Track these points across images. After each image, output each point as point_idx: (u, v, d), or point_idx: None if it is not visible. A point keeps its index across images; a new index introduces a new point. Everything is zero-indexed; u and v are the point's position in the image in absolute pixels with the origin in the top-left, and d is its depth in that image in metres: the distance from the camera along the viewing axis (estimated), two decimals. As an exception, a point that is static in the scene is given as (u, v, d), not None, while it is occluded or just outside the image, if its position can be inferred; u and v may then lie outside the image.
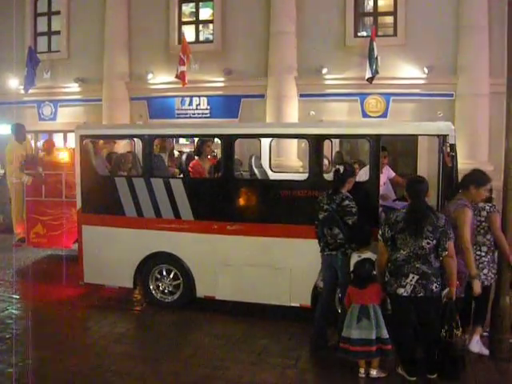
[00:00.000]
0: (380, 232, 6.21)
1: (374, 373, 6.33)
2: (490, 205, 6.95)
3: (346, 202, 6.92)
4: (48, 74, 17.41)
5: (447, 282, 6.03)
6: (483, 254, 6.83)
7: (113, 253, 9.02)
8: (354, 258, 6.77)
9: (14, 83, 17.29)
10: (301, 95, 14.83)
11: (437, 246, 5.93)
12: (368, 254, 6.65)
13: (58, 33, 17.70)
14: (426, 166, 13.41)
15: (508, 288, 7.04)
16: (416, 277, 5.91)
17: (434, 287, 5.94)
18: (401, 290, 5.96)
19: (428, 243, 5.90)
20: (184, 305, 8.82)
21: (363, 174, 8.51)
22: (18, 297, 9.61)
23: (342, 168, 7.16)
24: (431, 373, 6.23)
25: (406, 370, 6.26)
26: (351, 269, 6.77)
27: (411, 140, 13.03)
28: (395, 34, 14.58)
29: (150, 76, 16.19)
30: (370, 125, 9.95)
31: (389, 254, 6.14)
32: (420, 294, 5.92)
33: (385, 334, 6.25)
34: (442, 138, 7.36)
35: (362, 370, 6.38)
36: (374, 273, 6.42)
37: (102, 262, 9.14)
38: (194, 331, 8.02)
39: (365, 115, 14.46)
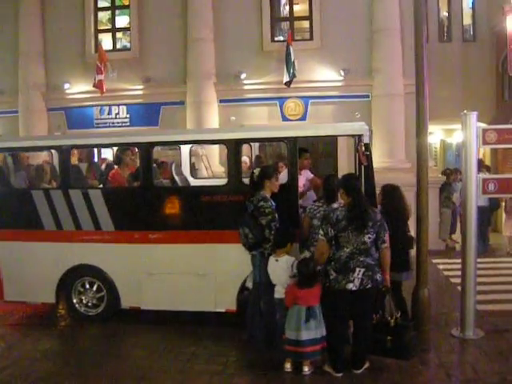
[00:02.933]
0: (322, 232, 6.28)
1: (306, 369, 6.42)
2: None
3: (261, 203, 7.01)
4: (-40, 87, 16.82)
5: (383, 271, 6.24)
6: None
7: (33, 268, 8.78)
8: (271, 261, 6.85)
9: None
10: (220, 101, 14.86)
11: (376, 240, 6.13)
12: (284, 257, 6.74)
13: (-33, 44, 17.14)
14: (346, 165, 13.66)
15: (427, 280, 7.33)
16: (362, 270, 6.06)
17: (377, 277, 6.15)
18: (350, 285, 6.08)
19: (369, 238, 6.10)
20: (109, 317, 8.67)
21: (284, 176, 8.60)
22: None
23: (257, 171, 7.24)
24: (357, 368, 6.37)
25: (334, 367, 6.37)
26: (269, 270, 6.86)
27: (331, 141, 13.30)
28: (311, 38, 14.81)
29: (67, 86, 15.84)
30: (287, 128, 10.08)
31: (331, 252, 6.23)
32: (368, 286, 6.10)
33: (324, 332, 6.39)
34: (358, 138, 7.52)
35: (287, 365, 6.48)
36: (319, 268, 6.47)
37: (22, 279, 8.87)
38: (120, 343, 7.91)
39: (284, 119, 14.62)
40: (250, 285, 7.56)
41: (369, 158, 7.34)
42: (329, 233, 6.19)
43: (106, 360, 7.25)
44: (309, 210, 7.32)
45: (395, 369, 6.46)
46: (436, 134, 20.89)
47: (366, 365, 6.43)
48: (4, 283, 9.06)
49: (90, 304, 8.80)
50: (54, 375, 6.79)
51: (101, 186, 9.60)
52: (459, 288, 8.11)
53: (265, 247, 6.99)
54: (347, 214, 6.14)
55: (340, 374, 6.33)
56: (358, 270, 6.07)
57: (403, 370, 6.44)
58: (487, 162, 17.17)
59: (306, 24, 15.18)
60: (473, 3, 18.31)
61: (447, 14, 17.96)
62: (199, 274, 8.11)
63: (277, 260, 6.77)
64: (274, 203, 7.10)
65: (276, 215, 7.04)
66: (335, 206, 6.88)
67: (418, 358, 6.69)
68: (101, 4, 16.33)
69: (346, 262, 6.12)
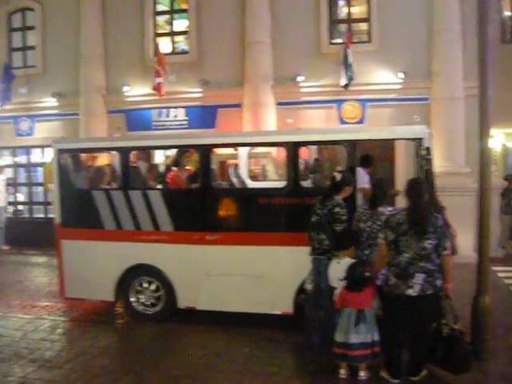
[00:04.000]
0: (381, 235, 6.23)
1: (362, 374, 6.37)
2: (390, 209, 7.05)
3: (337, 209, 6.91)
4: (24, 89, 17.27)
5: (444, 279, 6.11)
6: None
7: (93, 266, 8.99)
8: (333, 263, 6.80)
9: (-10, 99, 17.16)
10: (278, 103, 14.84)
11: (436, 246, 6.01)
12: (346, 260, 6.68)
13: (33, 48, 17.61)
14: (403, 169, 13.49)
15: (488, 288, 7.14)
16: (422, 275, 5.97)
17: (439, 283, 6.05)
18: (409, 291, 5.99)
19: (430, 244, 5.99)
20: (166, 316, 8.79)
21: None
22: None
23: (338, 175, 7.15)
24: (414, 375, 6.28)
25: (391, 373, 6.30)
26: (330, 273, 6.81)
27: (388, 145, 13.14)
28: (369, 41, 14.66)
29: (126, 88, 16.12)
30: (346, 131, 10.01)
31: (391, 257, 6.17)
32: (428, 292, 6.00)
33: (376, 336, 6.33)
34: (418, 142, 7.42)
35: (342, 371, 6.44)
36: (367, 274, 6.45)
37: (82, 277, 9.09)
38: (177, 342, 8.01)
39: (342, 122, 14.51)
40: (308, 287, 7.52)
41: (429, 162, 7.23)
42: (389, 236, 6.12)
43: (162, 358, 7.34)
44: (356, 213, 7.24)
45: (453, 378, 6.30)
46: (497, 138, 20.38)
47: (424, 372, 6.33)
48: (65, 281, 9.29)
49: (147, 303, 8.95)
50: (112, 371, 6.93)
51: (160, 187, 9.73)
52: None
53: (334, 253, 6.89)
54: (408, 218, 6.05)
55: (397, 381, 6.25)
56: (417, 275, 5.97)
57: (462, 379, 6.29)
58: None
59: (364, 26, 15.04)
60: (537, 3, 17.80)
61: (510, 14, 17.50)
62: (256, 276, 8.14)
63: (338, 262, 6.71)
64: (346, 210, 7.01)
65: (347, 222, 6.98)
66: (381, 209, 6.90)
67: (477, 368, 6.50)
68: (159, 8, 16.55)
69: (405, 267, 6.03)
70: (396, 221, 6.10)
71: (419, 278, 5.97)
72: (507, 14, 17.34)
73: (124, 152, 8.84)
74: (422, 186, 6.33)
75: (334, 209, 6.92)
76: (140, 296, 8.96)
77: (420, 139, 7.35)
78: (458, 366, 6.20)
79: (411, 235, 6.00)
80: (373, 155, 10.32)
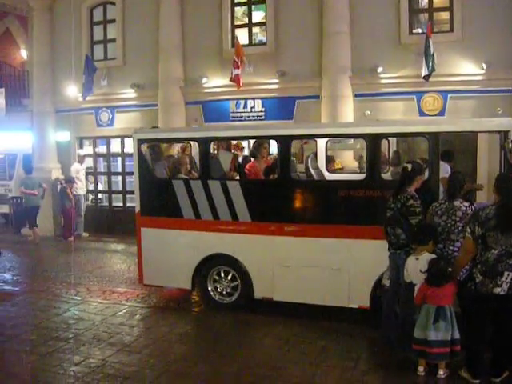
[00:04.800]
0: (469, 230, 6.06)
1: (441, 373, 6.26)
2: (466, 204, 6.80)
3: (411, 202, 6.79)
4: (105, 81, 17.66)
5: None
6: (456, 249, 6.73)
7: (171, 255, 9.16)
8: (411, 260, 6.66)
9: (73, 91, 17.61)
10: (356, 95, 14.62)
11: None
12: (425, 255, 6.52)
13: (113, 40, 17.96)
14: (485, 163, 13.08)
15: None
16: (511, 274, 5.79)
17: None
18: (497, 290, 5.83)
19: None
20: (242, 306, 8.86)
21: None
22: (79, 298, 9.83)
23: (410, 166, 6.99)
24: (496, 376, 6.10)
25: (472, 373, 6.13)
26: (405, 269, 6.69)
27: (470, 137, 12.76)
28: (451, 30, 14.22)
29: (204, 80, 16.25)
30: (428, 122, 9.78)
31: (478, 253, 6.00)
32: None
33: (457, 335, 6.21)
34: (504, 135, 7.17)
35: (421, 369, 6.35)
36: (450, 270, 6.31)
37: (160, 264, 9.28)
38: (253, 332, 8.07)
39: (421, 114, 14.15)
40: (386, 282, 7.41)
41: (516, 155, 6.99)
42: (476, 231, 5.93)
43: (238, 347, 7.42)
44: (431, 207, 7.02)
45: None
46: None
47: (506, 373, 6.12)
48: (144, 268, 9.49)
49: (224, 292, 9.05)
50: (189, 358, 7.07)
51: (238, 177, 9.78)
52: None
53: (411, 247, 6.77)
54: (498, 213, 5.85)
55: (477, 381, 6.09)
56: (506, 273, 5.77)
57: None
58: None
59: (445, 15, 14.60)
60: None
61: None
62: (333, 269, 8.09)
63: (417, 258, 6.57)
64: (420, 201, 6.87)
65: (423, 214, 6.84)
66: (457, 203, 6.75)
67: None
68: (237, -1, 16.63)
69: (493, 264, 5.83)
70: (485, 215, 5.91)
71: (508, 276, 5.77)
72: None
73: (203, 142, 8.92)
74: None
75: (408, 202, 6.79)
76: (217, 285, 9.07)
77: (506, 132, 7.11)
78: None
79: (500, 231, 5.80)
80: (454, 148, 10.04)
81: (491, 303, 5.92)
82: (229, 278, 8.96)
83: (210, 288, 9.07)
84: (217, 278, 9.05)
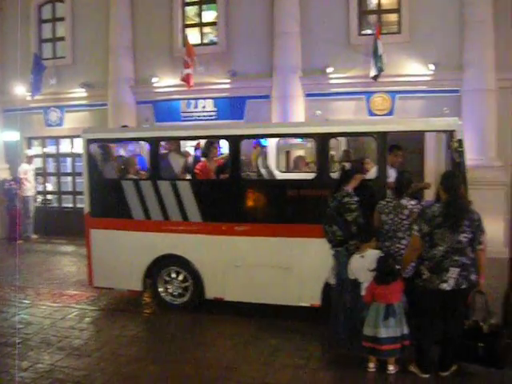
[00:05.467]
0: (416, 227, 6.16)
1: (391, 368, 6.36)
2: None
3: (346, 199, 6.95)
4: (54, 80, 17.36)
5: (478, 274, 6.06)
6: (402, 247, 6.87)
7: (121, 256, 9.07)
8: (356, 258, 6.76)
9: (21, 90, 17.28)
10: (306, 95, 14.72)
11: (471, 240, 5.96)
12: (369, 252, 6.64)
13: (62, 39, 17.68)
14: (433, 162, 13.33)
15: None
16: (457, 269, 5.93)
17: (473, 277, 6.01)
18: (444, 285, 5.96)
19: (465, 237, 5.94)
20: (193, 307, 8.83)
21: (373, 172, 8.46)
22: (28, 302, 9.64)
23: (347, 165, 7.16)
24: (444, 370, 6.24)
25: (422, 368, 6.26)
26: (349, 267, 6.79)
27: (418, 137, 12.99)
28: (399, 32, 14.44)
29: (155, 79, 16.14)
30: (377, 122, 9.92)
31: (425, 250, 6.11)
32: (463, 286, 5.97)
33: (406, 330, 6.32)
34: (450, 134, 7.32)
35: (371, 365, 6.43)
36: (397, 267, 6.41)
37: (110, 266, 9.18)
38: (205, 333, 8.04)
39: (371, 113, 14.34)
40: (331, 281, 7.49)
41: (462, 154, 7.13)
42: (423, 228, 6.04)
43: (190, 348, 7.38)
44: (378, 205, 7.16)
45: (484, 374, 6.25)
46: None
47: (454, 367, 6.27)
48: (93, 270, 9.37)
49: (175, 293, 9.00)
50: (140, 360, 6.98)
51: (189, 177, 9.74)
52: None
53: (351, 244, 6.91)
54: (443, 211, 5.97)
55: (426, 375, 6.22)
56: (452, 269, 5.91)
57: (492, 376, 6.23)
58: None
59: (394, 17, 14.83)
60: None
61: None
62: (284, 268, 8.12)
63: (362, 256, 6.68)
64: (357, 198, 7.01)
65: (359, 211, 6.96)
66: (404, 202, 6.91)
67: (510, 364, 6.39)
68: (188, -1, 16.55)
69: (440, 260, 5.96)
70: (431, 213, 6.03)
71: (454, 272, 5.91)
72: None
73: (153, 142, 8.85)
74: (458, 179, 6.26)
75: (343, 199, 6.96)
76: (168, 286, 9.01)
77: (452, 131, 7.26)
78: (501, 360, 6.12)
79: (446, 228, 5.92)
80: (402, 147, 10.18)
81: (438, 299, 6.04)
82: (180, 278, 8.91)
83: (161, 289, 9.01)
84: (168, 278, 8.98)
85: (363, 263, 6.63)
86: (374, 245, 6.80)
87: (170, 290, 9.01)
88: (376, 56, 13.43)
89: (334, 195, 7.07)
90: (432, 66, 13.86)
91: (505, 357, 6.12)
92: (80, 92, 17.19)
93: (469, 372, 6.30)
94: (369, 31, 14.83)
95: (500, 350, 6.06)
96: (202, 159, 9.66)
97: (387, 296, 6.29)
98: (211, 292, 8.68)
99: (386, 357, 6.34)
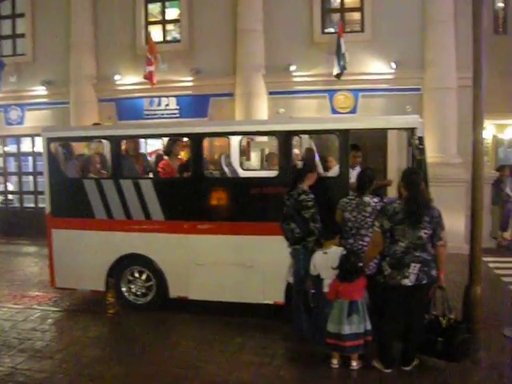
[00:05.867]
0: (377, 224, 6.20)
1: (354, 364, 6.40)
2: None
3: (302, 197, 7.00)
4: (14, 78, 17.11)
5: (438, 270, 6.13)
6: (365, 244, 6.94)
7: (84, 256, 8.94)
8: (319, 255, 6.79)
9: (-21, 88, 16.99)
10: (270, 93, 14.78)
11: (431, 236, 6.03)
12: (332, 249, 6.68)
13: (22, 36, 17.43)
14: (396, 160, 13.49)
15: (480, 278, 7.14)
16: (418, 265, 5.98)
17: (434, 273, 6.07)
18: (405, 281, 6.00)
19: (425, 233, 6.00)
20: (157, 306, 8.77)
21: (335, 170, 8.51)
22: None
23: (301, 164, 7.21)
24: (406, 364, 6.31)
25: (385, 363, 6.32)
26: (312, 263, 6.81)
27: (381, 135, 13.12)
28: (362, 30, 14.60)
29: (117, 77, 16.00)
30: (339, 120, 9.98)
31: (387, 246, 6.16)
32: (424, 281, 6.02)
33: (369, 326, 6.37)
34: (411, 132, 7.40)
35: (334, 361, 6.46)
36: (360, 265, 6.45)
37: (73, 266, 9.05)
38: (169, 332, 7.98)
39: (334, 111, 14.46)
40: (290, 279, 7.52)
41: (422, 151, 7.21)
42: (384, 225, 6.10)
43: (154, 348, 7.32)
44: (341, 202, 7.21)
45: (445, 368, 6.33)
46: (488, 130, 20.42)
47: (416, 362, 6.36)
48: (55, 270, 9.24)
49: (138, 293, 8.92)
50: (103, 361, 6.89)
51: (151, 176, 9.66)
52: (511, 287, 7.91)
53: (309, 241, 6.97)
54: (404, 208, 6.03)
55: (389, 370, 6.28)
56: (413, 265, 5.97)
57: (453, 369, 6.32)
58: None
59: (357, 16, 14.97)
60: (530, -6, 17.78)
61: (503, 5, 17.48)
62: (247, 266, 8.12)
63: (325, 253, 6.72)
64: (313, 196, 7.06)
65: (316, 208, 7.01)
66: (367, 199, 6.97)
67: (469, 357, 6.51)
68: (151, -4, 16.43)
69: (401, 257, 6.02)
70: (393, 210, 6.09)
71: (415, 267, 5.97)
72: (500, 5, 17.32)
73: (115, 140, 8.76)
74: (419, 175, 6.33)
75: (300, 197, 7.02)
76: (131, 286, 8.93)
77: (413, 129, 7.33)
78: (460, 354, 6.22)
79: (407, 224, 5.99)
80: (364, 145, 10.29)
81: (400, 294, 6.09)
82: (143, 278, 8.84)
83: (124, 289, 8.93)
84: (131, 278, 8.90)
85: (326, 260, 6.67)
86: (337, 242, 6.84)
87: (133, 290, 8.93)
88: (339, 54, 13.54)
89: (290, 193, 7.14)
90: (394, 65, 14.02)
91: (463, 350, 6.23)
92: (41, 90, 16.97)
93: (429, 366, 6.38)
94: (332, 30, 14.96)
95: (458, 344, 6.15)
96: (165, 157, 9.59)
97: (351, 293, 6.33)
98: (175, 291, 8.63)
99: (349, 353, 6.38)
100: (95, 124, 11.25)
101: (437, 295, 6.34)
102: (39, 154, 16.04)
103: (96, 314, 8.87)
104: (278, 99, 14.73)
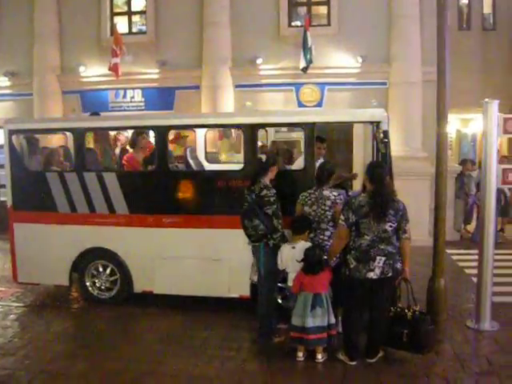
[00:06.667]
0: (342, 217, 6.19)
1: (319, 357, 6.43)
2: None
3: (265, 192, 6.86)
4: (-25, 69, 16.79)
5: (403, 262, 6.18)
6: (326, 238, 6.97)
7: (47, 250, 8.83)
8: (287, 248, 6.78)
9: None
10: (236, 86, 14.74)
11: (396, 229, 6.06)
12: (300, 244, 6.68)
13: (-16, 25, 17.09)
14: (361, 153, 13.59)
15: (443, 270, 7.23)
16: (383, 258, 6.02)
17: (399, 266, 6.12)
18: (370, 274, 6.04)
19: (390, 226, 6.03)
20: (122, 301, 8.70)
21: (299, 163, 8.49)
22: None
23: (263, 157, 7.15)
24: (371, 357, 6.37)
25: (350, 355, 6.36)
26: (280, 258, 6.81)
27: (346, 128, 13.19)
28: (329, 24, 14.64)
29: (82, 69, 15.76)
30: (305, 113, 9.99)
31: (352, 240, 6.17)
32: (389, 274, 6.07)
33: (332, 319, 6.40)
34: (376, 125, 7.43)
35: (299, 354, 6.48)
36: (325, 257, 6.46)
37: (35, 261, 8.92)
38: (133, 327, 7.94)
39: (300, 105, 14.49)
40: (254, 278, 7.51)
41: (387, 145, 7.25)
42: (350, 218, 6.11)
43: (118, 343, 7.28)
44: (301, 196, 7.16)
45: (409, 359, 6.39)
46: (452, 124, 20.71)
47: (380, 354, 6.42)
48: (18, 265, 9.10)
49: (103, 287, 8.86)
50: (67, 357, 6.80)
51: (115, 169, 9.56)
52: (474, 279, 8.05)
53: (274, 238, 6.85)
54: (369, 201, 6.05)
55: (354, 363, 6.32)
56: (378, 258, 6.01)
57: (418, 360, 6.37)
58: (504, 151, 17.04)
59: (323, 9, 15.00)
60: (493, -9, 18.04)
61: (467, 2, 17.72)
62: (213, 259, 8.10)
63: (293, 247, 6.70)
64: (274, 191, 6.96)
65: (278, 203, 6.94)
66: (326, 193, 6.94)
67: (433, 349, 6.58)
68: (117, -13, 16.23)
69: (366, 250, 6.05)
70: (358, 203, 6.11)
71: (380, 261, 6.01)
72: (464, 1, 17.57)
73: (79, 133, 8.63)
74: (384, 169, 6.36)
75: (262, 192, 6.86)
76: (95, 280, 8.85)
77: (378, 122, 7.36)
78: (425, 346, 6.27)
79: (372, 218, 6.01)
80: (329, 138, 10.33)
81: (365, 287, 6.14)
82: (107, 272, 8.76)
83: (88, 283, 8.83)
84: (95, 272, 8.82)
85: (293, 254, 6.65)
86: (306, 237, 6.83)
87: (97, 284, 8.85)
88: (305, 48, 13.56)
89: (251, 188, 6.96)
90: (360, 59, 14.10)
91: (427, 342, 6.28)
92: (3, 81, 16.63)
93: (394, 358, 6.44)
94: (298, 23, 14.96)
95: (423, 336, 6.20)
96: (130, 150, 9.50)
97: (315, 286, 6.35)
98: (140, 285, 8.58)
99: (313, 346, 6.41)
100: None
101: (402, 287, 6.41)
102: (1, 146, 15.84)
103: (60, 309, 8.77)
104: (244, 92, 14.70)
